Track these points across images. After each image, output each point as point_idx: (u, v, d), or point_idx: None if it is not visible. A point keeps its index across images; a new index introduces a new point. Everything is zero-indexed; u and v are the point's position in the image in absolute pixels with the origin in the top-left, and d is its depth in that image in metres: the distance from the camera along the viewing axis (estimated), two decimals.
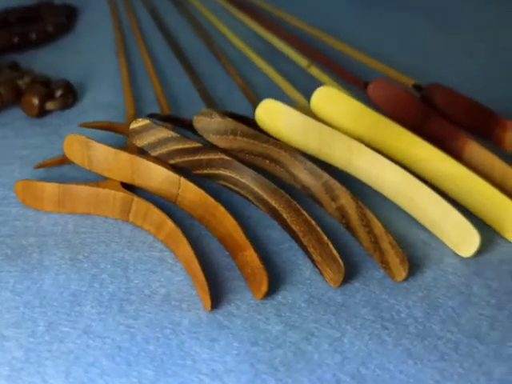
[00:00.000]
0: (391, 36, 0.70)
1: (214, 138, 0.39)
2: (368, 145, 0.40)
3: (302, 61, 0.61)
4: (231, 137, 0.39)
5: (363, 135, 0.41)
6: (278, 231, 0.37)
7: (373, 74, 0.55)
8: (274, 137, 0.40)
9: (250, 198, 0.38)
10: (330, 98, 0.41)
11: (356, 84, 0.52)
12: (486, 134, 0.45)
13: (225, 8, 0.77)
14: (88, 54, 0.63)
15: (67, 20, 0.70)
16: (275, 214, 0.37)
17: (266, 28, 0.69)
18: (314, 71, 0.58)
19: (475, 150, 0.43)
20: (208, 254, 0.35)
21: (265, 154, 0.39)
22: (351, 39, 0.64)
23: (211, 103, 0.50)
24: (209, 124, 0.39)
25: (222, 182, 0.39)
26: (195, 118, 0.39)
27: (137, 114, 0.48)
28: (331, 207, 0.38)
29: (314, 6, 0.79)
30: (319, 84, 0.53)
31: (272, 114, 0.40)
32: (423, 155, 0.41)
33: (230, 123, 0.39)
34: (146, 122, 0.39)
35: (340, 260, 0.33)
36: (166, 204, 0.38)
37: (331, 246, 0.34)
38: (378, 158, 0.39)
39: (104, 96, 0.53)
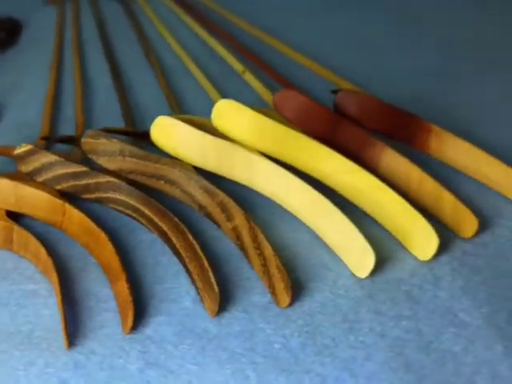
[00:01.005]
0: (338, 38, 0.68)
1: (103, 160, 0.38)
2: (275, 160, 0.38)
3: (238, 66, 0.60)
4: (120, 158, 0.38)
5: (269, 150, 0.39)
6: (168, 256, 0.36)
7: (316, 80, 0.53)
8: (172, 155, 0.39)
9: (142, 221, 0.37)
10: (230, 112, 0.39)
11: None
12: (409, 139, 0.43)
13: (174, 12, 0.75)
14: (24, 71, 0.62)
15: (8, 35, 0.70)
16: (166, 238, 0.36)
17: (208, 29, 0.67)
18: (249, 77, 0.57)
19: (392, 158, 0.41)
20: (87, 284, 0.34)
21: (158, 175, 0.38)
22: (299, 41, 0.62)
23: (129, 120, 0.49)
24: (97, 146, 0.38)
25: (112, 206, 0.38)
26: (82, 140, 0.38)
27: (51, 134, 0.47)
28: (227, 227, 0.37)
29: (265, 7, 0.77)
30: (251, 91, 0.53)
31: (167, 132, 0.39)
32: (332, 168, 0.39)
33: (117, 144, 0.38)
34: (29, 147, 0.38)
35: (216, 288, 0.32)
36: (54, 231, 0.37)
37: (211, 272, 0.33)
38: (280, 174, 0.38)
39: (25, 115, 0.53)
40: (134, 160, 0.38)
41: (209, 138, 0.38)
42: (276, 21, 0.71)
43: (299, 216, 0.38)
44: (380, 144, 0.41)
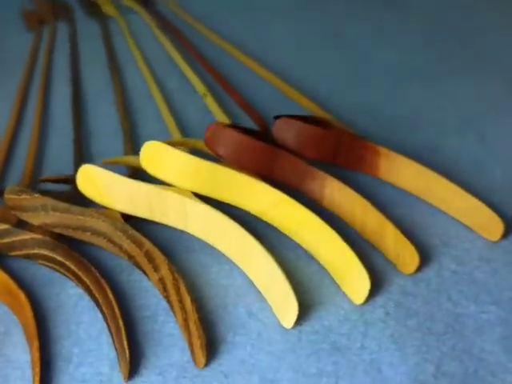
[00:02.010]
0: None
1: (26, 216, 0.38)
2: (210, 199, 0.37)
3: (200, 88, 0.59)
4: (43, 213, 0.37)
5: (201, 190, 0.38)
6: (94, 312, 0.35)
7: (285, 105, 0.52)
8: (100, 204, 0.38)
9: (69, 275, 0.37)
10: (158, 154, 0.38)
11: (256, 121, 0.48)
12: (357, 164, 0.42)
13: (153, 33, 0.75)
14: None
15: None
16: (91, 293, 0.36)
17: (182, 48, 0.66)
18: (210, 102, 0.56)
19: (336, 189, 0.39)
20: (5, 350, 0.34)
21: (83, 227, 0.37)
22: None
23: (79, 162, 0.48)
24: (20, 202, 0.38)
25: (41, 262, 0.38)
26: (5, 196, 0.38)
27: None
28: (154, 278, 0.36)
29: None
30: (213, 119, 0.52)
31: (92, 181, 0.38)
32: (268, 204, 0.38)
33: (38, 199, 0.37)
34: None
35: (127, 351, 0.31)
36: None
37: (124, 333, 0.32)
38: (213, 218, 0.37)
39: None
40: (58, 214, 0.37)
41: (136, 185, 0.37)
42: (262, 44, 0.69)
43: (233, 259, 0.36)
44: (322, 175, 0.39)
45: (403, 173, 0.40)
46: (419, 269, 0.35)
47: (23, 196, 0.37)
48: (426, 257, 0.35)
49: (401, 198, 0.40)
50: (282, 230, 0.38)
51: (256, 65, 0.61)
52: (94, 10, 0.93)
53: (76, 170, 0.42)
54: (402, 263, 0.35)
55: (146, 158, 0.38)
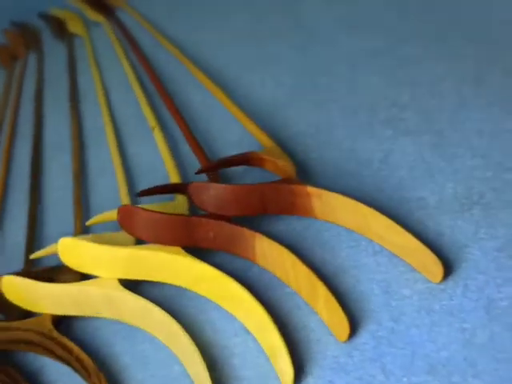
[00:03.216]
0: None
1: None
2: (135, 279, 0.37)
3: (150, 119, 0.57)
4: None
5: (125, 274, 0.38)
6: None
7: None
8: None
9: None
10: (75, 249, 0.38)
11: (200, 160, 0.46)
12: (290, 209, 0.39)
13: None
14: None
15: None
16: None
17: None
18: (157, 135, 0.54)
19: (266, 245, 0.37)
20: None
21: (16, 340, 0.38)
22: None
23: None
24: None
25: None
26: None
27: None
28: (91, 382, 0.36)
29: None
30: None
31: (15, 290, 0.38)
32: (194, 277, 0.37)
33: None
34: None
35: None
36: None
37: None
38: (138, 305, 0.36)
39: None
40: None
41: (58, 286, 0.37)
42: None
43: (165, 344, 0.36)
44: (250, 234, 0.37)
45: (338, 210, 0.38)
46: (356, 331, 0.33)
47: None
48: (363, 313, 0.33)
49: (340, 236, 0.38)
50: (217, 302, 0.36)
51: (210, 83, 0.58)
52: (61, 31, 0.92)
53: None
54: (335, 329, 0.33)
55: (64, 255, 0.38)
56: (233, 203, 0.37)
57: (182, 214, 0.37)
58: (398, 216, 0.37)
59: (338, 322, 0.32)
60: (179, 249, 0.37)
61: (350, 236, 0.37)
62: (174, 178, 0.46)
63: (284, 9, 0.70)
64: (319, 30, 0.63)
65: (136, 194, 0.40)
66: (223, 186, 0.37)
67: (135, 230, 0.37)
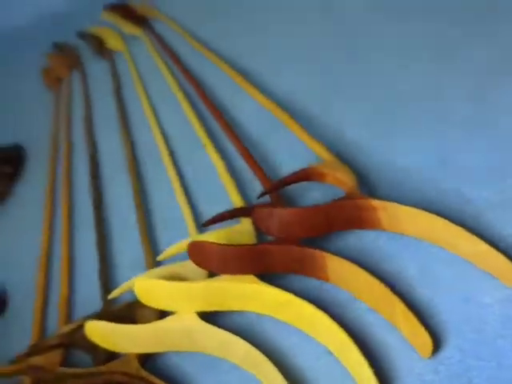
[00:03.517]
0: None
1: None
2: (213, 310, 0.38)
3: (201, 136, 0.58)
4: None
5: (204, 308, 0.39)
6: None
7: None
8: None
9: None
10: (150, 288, 0.39)
11: (260, 179, 0.46)
12: (356, 224, 0.40)
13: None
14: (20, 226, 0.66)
15: (13, 167, 0.74)
16: None
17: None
18: (211, 153, 0.55)
19: (337, 264, 0.38)
20: None
21: (108, 382, 0.39)
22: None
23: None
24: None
25: None
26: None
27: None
28: None
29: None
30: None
31: (100, 334, 0.40)
32: (270, 303, 0.38)
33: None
34: None
35: None
36: None
37: None
38: (217, 336, 0.37)
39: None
40: (81, 381, 0.39)
41: (138, 327, 0.39)
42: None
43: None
44: (319, 254, 0.38)
45: (405, 221, 0.38)
46: (439, 345, 0.33)
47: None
48: (444, 325, 0.33)
49: (410, 247, 0.37)
50: (295, 326, 0.37)
51: (258, 93, 0.57)
52: (101, 48, 0.93)
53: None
54: (417, 345, 0.33)
55: (141, 295, 0.39)
56: (298, 226, 0.38)
57: (250, 244, 0.38)
58: (464, 220, 0.36)
59: (420, 338, 0.32)
60: (252, 277, 0.38)
61: (420, 246, 0.37)
62: (235, 199, 0.46)
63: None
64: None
65: (202, 225, 0.41)
66: (286, 210, 0.37)
67: (207, 264, 0.38)
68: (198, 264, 0.38)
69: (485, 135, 0.41)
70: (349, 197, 0.38)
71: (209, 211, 0.49)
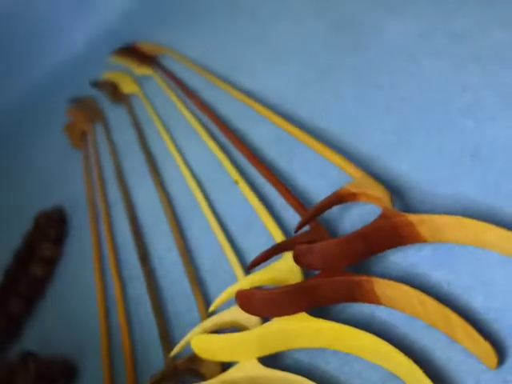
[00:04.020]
0: None
1: None
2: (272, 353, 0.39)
3: (231, 172, 0.59)
4: None
5: (262, 353, 0.40)
6: None
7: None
8: None
9: None
10: (208, 344, 0.40)
11: (297, 210, 0.47)
12: (397, 242, 0.40)
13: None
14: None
15: (56, 231, 0.77)
16: None
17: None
18: (244, 189, 0.56)
19: (386, 287, 0.38)
20: None
21: None
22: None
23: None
24: None
25: None
26: None
27: None
28: None
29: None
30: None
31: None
32: (326, 338, 0.38)
33: None
34: None
35: None
36: None
37: None
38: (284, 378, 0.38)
39: None
40: None
41: None
42: None
43: None
44: (366, 280, 0.38)
45: (446, 230, 0.38)
46: (504, 354, 0.32)
47: None
48: (507, 331, 0.33)
49: (456, 254, 0.37)
50: (356, 355, 0.37)
51: (279, 118, 0.58)
52: (116, 94, 0.95)
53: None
54: (482, 357, 0.33)
55: (200, 351, 0.40)
56: (340, 257, 0.38)
57: (295, 284, 0.38)
58: (505, 216, 0.36)
59: (482, 349, 0.32)
60: (304, 314, 0.38)
61: (465, 251, 0.37)
62: (275, 233, 0.47)
63: None
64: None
65: (247, 269, 0.41)
66: (326, 244, 0.38)
67: (257, 311, 0.39)
68: (249, 312, 0.39)
69: None
70: (384, 215, 0.39)
71: (251, 247, 0.50)
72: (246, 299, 0.38)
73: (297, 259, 0.38)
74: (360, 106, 0.53)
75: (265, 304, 0.38)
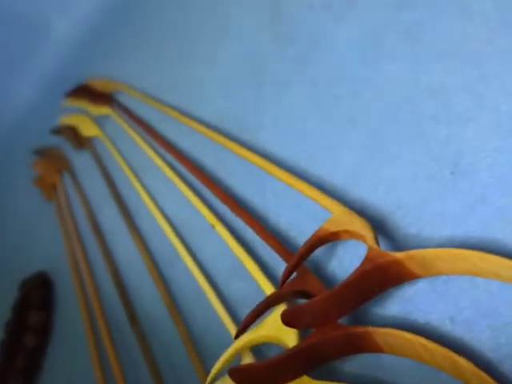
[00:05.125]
0: None
1: None
2: None
3: (206, 216, 0.56)
4: None
5: None
6: None
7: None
8: None
9: None
10: None
11: (281, 255, 0.44)
12: (387, 283, 0.37)
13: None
14: None
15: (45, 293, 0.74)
16: None
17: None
18: (223, 233, 0.53)
19: (386, 337, 0.35)
20: None
21: None
22: None
23: None
24: None
25: None
26: None
27: None
28: None
29: None
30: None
31: None
32: None
33: None
34: None
35: None
36: None
37: None
38: None
39: None
40: None
41: None
42: None
43: None
44: (364, 331, 0.35)
45: (438, 262, 0.35)
46: None
47: None
48: None
49: (456, 286, 0.35)
50: None
51: (249, 153, 0.55)
52: (77, 139, 0.92)
53: None
54: None
55: None
56: (331, 311, 0.36)
57: (290, 350, 0.36)
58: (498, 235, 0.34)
59: None
60: (305, 378, 0.36)
61: (463, 280, 0.34)
62: (262, 282, 0.44)
63: None
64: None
65: (235, 337, 0.39)
66: (315, 301, 0.35)
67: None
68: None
69: None
70: (370, 258, 0.36)
71: (239, 297, 0.47)
72: (240, 376, 0.36)
73: (287, 323, 0.36)
74: (322, 122, 0.50)
75: (262, 376, 0.36)
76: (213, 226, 0.53)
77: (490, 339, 0.32)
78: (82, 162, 0.89)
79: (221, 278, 0.50)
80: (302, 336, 0.37)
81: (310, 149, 0.50)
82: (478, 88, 0.41)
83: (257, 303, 0.39)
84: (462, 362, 0.31)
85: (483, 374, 0.30)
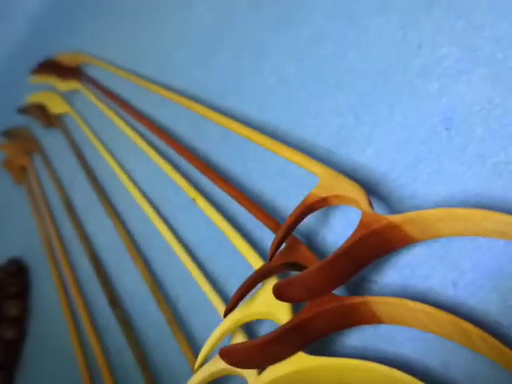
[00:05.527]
0: None
1: None
2: None
3: (186, 189, 0.53)
4: None
5: None
6: None
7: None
8: None
9: None
10: None
11: (269, 227, 0.42)
12: (385, 248, 0.35)
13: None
14: None
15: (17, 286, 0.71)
16: None
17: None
18: (204, 207, 0.51)
19: (385, 306, 0.34)
20: None
21: None
22: None
23: None
24: None
25: None
26: None
27: None
28: None
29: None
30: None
31: None
32: (335, 373, 0.34)
33: None
34: None
35: None
36: None
37: None
38: None
39: None
40: None
41: None
42: None
43: None
44: (361, 302, 0.34)
45: (439, 224, 0.33)
46: None
47: None
48: None
49: (457, 247, 0.33)
50: None
51: (225, 118, 0.52)
52: (46, 118, 0.88)
53: None
54: (509, 367, 0.29)
55: None
56: (325, 281, 0.34)
57: (283, 327, 0.34)
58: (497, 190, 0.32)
59: (508, 360, 0.28)
60: (300, 353, 0.34)
61: (465, 241, 0.33)
62: (249, 256, 0.42)
63: None
64: None
65: (224, 315, 0.37)
66: (306, 274, 0.33)
67: (248, 365, 0.34)
68: (239, 367, 0.34)
69: None
70: (364, 223, 0.34)
71: (226, 273, 0.45)
72: (231, 356, 0.34)
73: (279, 297, 0.33)
74: (308, 85, 0.47)
75: (256, 355, 0.33)
76: (193, 200, 0.51)
77: (498, 302, 0.30)
78: (52, 141, 0.85)
79: (205, 254, 0.48)
80: (295, 310, 0.35)
81: (293, 114, 0.47)
82: (468, 39, 0.38)
83: (245, 279, 0.36)
84: (470, 327, 0.29)
85: (493, 340, 0.28)
